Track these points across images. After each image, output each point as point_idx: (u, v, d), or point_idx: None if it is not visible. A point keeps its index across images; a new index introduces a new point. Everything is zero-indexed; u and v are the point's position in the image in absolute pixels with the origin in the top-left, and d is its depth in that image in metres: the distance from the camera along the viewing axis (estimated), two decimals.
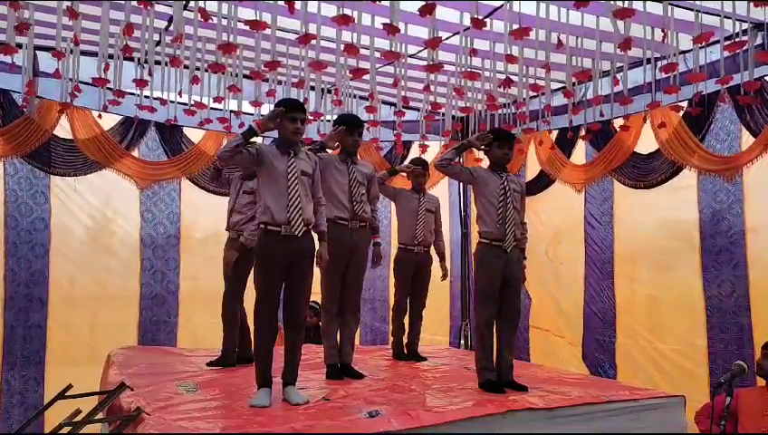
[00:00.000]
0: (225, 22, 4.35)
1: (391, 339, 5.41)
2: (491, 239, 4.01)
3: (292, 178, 3.56)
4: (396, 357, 5.29)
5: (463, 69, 5.10)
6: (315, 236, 3.76)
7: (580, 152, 6.48)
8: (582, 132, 5.86)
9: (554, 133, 6.62)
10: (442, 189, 7.40)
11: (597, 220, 6.38)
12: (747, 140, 5.13)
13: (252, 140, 3.56)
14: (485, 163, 4.46)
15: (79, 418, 3.25)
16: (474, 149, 5.12)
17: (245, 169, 4.53)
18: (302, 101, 5.60)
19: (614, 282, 6.19)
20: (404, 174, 5.39)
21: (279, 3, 4.05)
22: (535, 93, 5.74)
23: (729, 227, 5.31)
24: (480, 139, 4.13)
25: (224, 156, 3.58)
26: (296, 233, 3.52)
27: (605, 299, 6.26)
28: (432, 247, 5.34)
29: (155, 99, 5.61)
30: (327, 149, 4.32)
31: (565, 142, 6.49)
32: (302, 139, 3.76)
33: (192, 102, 5.59)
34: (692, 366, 5.47)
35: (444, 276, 5.51)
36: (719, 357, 5.26)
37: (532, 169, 7.02)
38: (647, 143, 5.83)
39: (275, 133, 3.73)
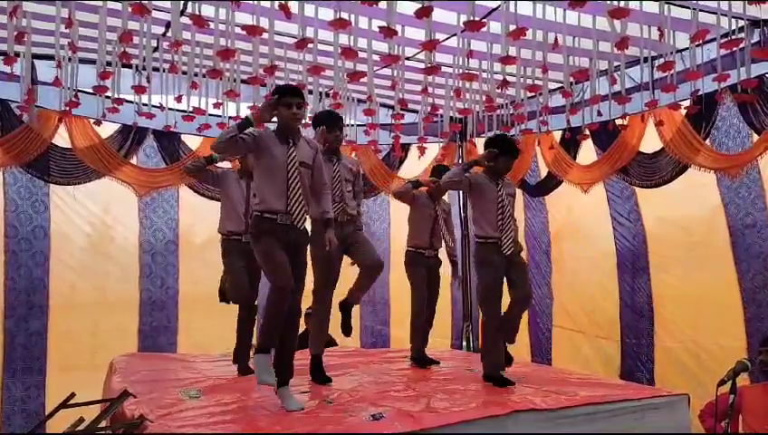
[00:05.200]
0: (222, 27, 4.35)
1: (410, 345, 5.28)
2: (487, 238, 4.20)
3: (292, 169, 3.53)
4: (416, 362, 5.18)
5: (460, 70, 5.10)
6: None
7: (591, 153, 6.40)
8: (586, 132, 5.85)
9: (558, 134, 6.59)
10: None
11: (625, 217, 6.33)
12: None
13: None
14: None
15: (82, 426, 3.24)
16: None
17: (243, 161, 4.56)
18: None
19: (649, 279, 6.14)
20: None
21: (276, 7, 4.05)
22: (533, 94, 5.74)
23: (755, 221, 5.28)
24: (488, 158, 4.29)
25: (219, 147, 3.57)
26: (297, 224, 3.50)
27: (641, 297, 6.22)
28: (445, 250, 5.33)
29: (154, 106, 5.60)
30: None
31: (570, 143, 6.46)
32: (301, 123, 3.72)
33: (191, 108, 5.59)
34: (731, 361, 5.41)
35: (455, 279, 5.52)
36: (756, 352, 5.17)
37: (546, 168, 6.96)
38: (651, 142, 5.80)
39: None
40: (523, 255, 7.12)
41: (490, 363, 4.24)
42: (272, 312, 3.47)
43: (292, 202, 3.50)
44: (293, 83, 5.47)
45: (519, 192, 6.86)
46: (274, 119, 3.64)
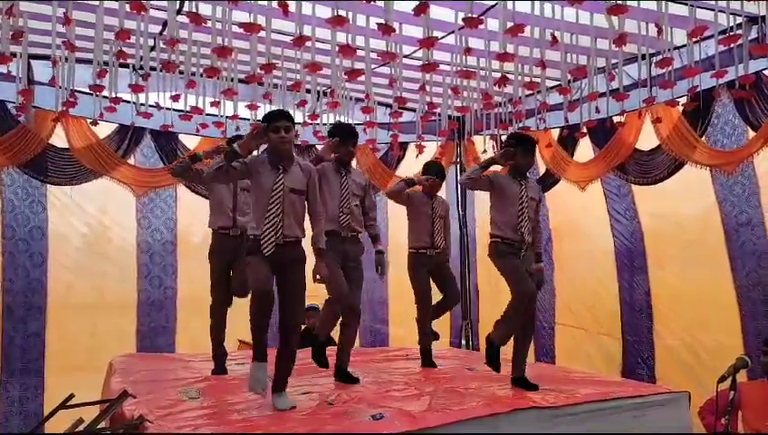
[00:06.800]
0: (219, 25, 4.33)
1: (419, 347, 5.25)
2: (504, 238, 4.12)
3: (276, 195, 3.48)
4: (424, 365, 5.15)
5: (458, 68, 5.09)
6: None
7: (588, 150, 6.37)
8: (584, 129, 5.84)
9: (556, 131, 6.58)
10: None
11: (622, 215, 6.33)
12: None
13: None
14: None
15: (81, 427, 3.22)
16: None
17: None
18: (297, 102, 5.66)
19: (647, 277, 6.13)
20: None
21: (273, 5, 4.04)
22: (531, 91, 5.73)
23: (749, 219, 5.28)
24: (504, 156, 4.21)
25: (208, 178, 3.58)
26: (264, 251, 3.43)
27: (639, 294, 6.21)
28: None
29: (151, 105, 5.58)
30: (323, 162, 4.29)
31: (568, 140, 6.44)
32: (292, 147, 3.67)
33: (188, 107, 5.56)
34: (728, 358, 5.40)
35: None
36: (755, 349, 5.14)
37: (543, 166, 6.94)
38: (648, 140, 5.79)
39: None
40: None
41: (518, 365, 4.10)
42: (259, 319, 3.45)
43: (265, 229, 3.44)
44: (290, 83, 5.52)
45: None
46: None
